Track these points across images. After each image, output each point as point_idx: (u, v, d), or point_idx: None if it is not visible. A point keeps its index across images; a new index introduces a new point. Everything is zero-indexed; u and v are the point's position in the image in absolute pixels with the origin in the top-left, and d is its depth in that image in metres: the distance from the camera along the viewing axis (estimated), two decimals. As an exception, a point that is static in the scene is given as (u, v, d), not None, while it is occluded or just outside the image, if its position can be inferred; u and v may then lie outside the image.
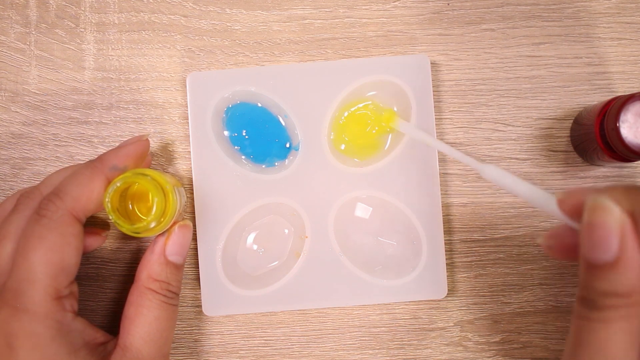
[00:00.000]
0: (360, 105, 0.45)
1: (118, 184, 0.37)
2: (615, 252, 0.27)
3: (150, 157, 0.45)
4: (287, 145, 0.45)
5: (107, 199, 0.36)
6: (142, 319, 0.38)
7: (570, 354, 0.29)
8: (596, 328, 0.27)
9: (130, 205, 0.40)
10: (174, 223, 0.40)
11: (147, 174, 0.37)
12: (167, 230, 0.40)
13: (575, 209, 0.30)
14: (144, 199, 0.40)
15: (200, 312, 0.45)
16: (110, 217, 0.37)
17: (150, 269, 0.39)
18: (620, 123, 0.37)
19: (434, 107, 0.44)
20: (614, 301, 0.27)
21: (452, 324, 0.45)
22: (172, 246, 0.40)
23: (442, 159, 0.45)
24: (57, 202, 0.36)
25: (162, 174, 0.39)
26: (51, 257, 0.35)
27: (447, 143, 0.40)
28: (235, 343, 0.45)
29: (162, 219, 0.38)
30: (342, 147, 0.45)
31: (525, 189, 0.33)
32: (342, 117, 0.45)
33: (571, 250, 0.31)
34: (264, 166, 0.45)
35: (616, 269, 0.27)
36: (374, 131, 0.44)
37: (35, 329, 0.35)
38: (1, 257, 0.37)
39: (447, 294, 0.44)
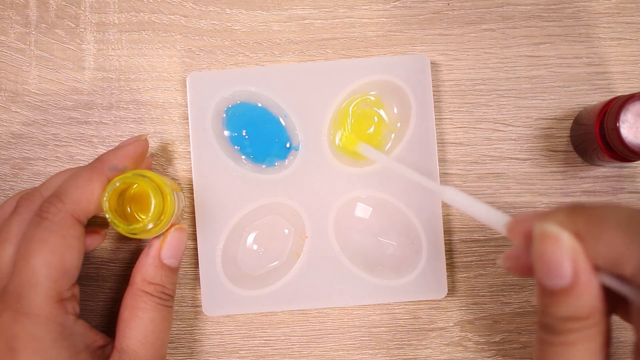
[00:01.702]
0: (356, 102, 0.45)
1: (117, 184, 0.37)
2: (569, 277, 0.27)
3: (151, 158, 0.45)
4: (287, 145, 0.45)
5: (105, 199, 0.36)
6: (138, 322, 0.38)
7: None
8: (560, 352, 0.28)
9: (128, 209, 0.40)
10: (171, 226, 0.40)
11: (146, 175, 0.37)
12: (163, 233, 0.40)
13: (526, 235, 0.30)
14: (141, 203, 0.40)
15: (200, 312, 0.45)
16: (108, 217, 0.37)
17: (145, 272, 0.39)
18: (620, 123, 0.37)
19: (434, 107, 0.44)
20: (575, 325, 0.27)
21: (452, 324, 0.45)
22: (167, 249, 0.40)
23: (442, 159, 0.45)
24: (58, 204, 0.36)
25: (162, 177, 0.39)
26: (53, 260, 0.35)
27: (410, 169, 0.40)
28: (235, 343, 0.45)
29: (159, 221, 0.38)
30: (338, 142, 0.45)
31: (481, 212, 0.33)
32: (347, 115, 0.45)
33: (530, 269, 0.31)
34: (264, 166, 0.45)
35: (572, 294, 0.27)
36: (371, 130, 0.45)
37: (37, 332, 0.35)
38: (2, 260, 0.37)
39: (447, 294, 0.44)
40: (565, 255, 0.27)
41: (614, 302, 0.29)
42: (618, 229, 0.27)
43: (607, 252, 0.27)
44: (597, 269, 0.27)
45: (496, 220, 0.32)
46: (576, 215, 0.28)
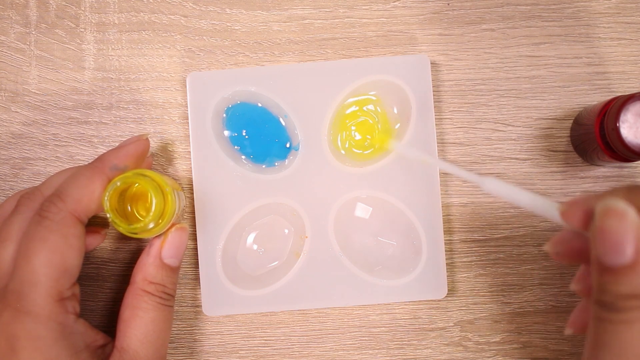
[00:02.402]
0: (358, 101, 0.45)
1: (118, 184, 0.37)
2: (632, 254, 0.26)
3: (151, 158, 0.45)
4: (287, 145, 0.45)
5: (105, 198, 0.36)
6: (139, 321, 0.38)
7: (593, 356, 0.28)
8: (619, 330, 0.27)
9: (129, 208, 0.40)
10: (172, 225, 0.40)
11: (147, 175, 0.37)
12: (164, 232, 0.40)
13: (581, 217, 0.29)
14: (142, 202, 0.40)
15: (200, 312, 0.45)
16: (109, 217, 0.37)
17: (146, 271, 0.40)
18: (620, 123, 0.37)
19: (434, 107, 0.44)
20: (636, 302, 0.27)
21: (452, 324, 0.45)
22: (168, 249, 0.40)
23: (442, 159, 0.45)
24: (59, 203, 0.36)
25: (162, 176, 0.39)
26: (53, 259, 0.35)
27: (447, 161, 0.40)
28: (235, 343, 0.45)
29: (160, 220, 0.38)
30: (342, 149, 0.45)
31: (527, 199, 0.32)
32: (345, 116, 0.45)
33: (580, 254, 0.31)
34: (264, 166, 0.45)
35: (635, 271, 0.27)
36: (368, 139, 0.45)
37: (37, 331, 0.35)
38: (3, 259, 0.37)
39: (447, 294, 0.44)
40: (630, 231, 0.26)
41: None
42: None
43: None
44: None
45: (544, 205, 0.31)
46: (636, 194, 0.27)
